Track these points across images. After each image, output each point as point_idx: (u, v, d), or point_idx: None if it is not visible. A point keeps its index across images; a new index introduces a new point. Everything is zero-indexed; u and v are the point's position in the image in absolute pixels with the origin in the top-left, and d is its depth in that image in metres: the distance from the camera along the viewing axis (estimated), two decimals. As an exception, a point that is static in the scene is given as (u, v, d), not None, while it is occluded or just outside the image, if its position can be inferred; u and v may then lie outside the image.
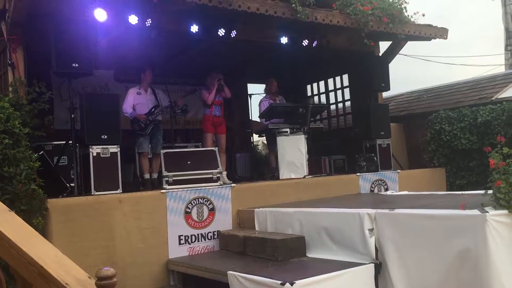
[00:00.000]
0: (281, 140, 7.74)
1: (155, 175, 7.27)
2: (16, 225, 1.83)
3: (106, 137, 6.03)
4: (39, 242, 1.81)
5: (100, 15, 6.10)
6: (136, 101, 7.33)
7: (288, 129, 7.82)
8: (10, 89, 5.77)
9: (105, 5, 6.09)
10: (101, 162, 5.95)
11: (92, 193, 5.75)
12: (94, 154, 5.92)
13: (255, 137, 10.48)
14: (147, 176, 7.35)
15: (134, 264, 5.44)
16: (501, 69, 19.41)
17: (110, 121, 6.12)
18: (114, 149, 6.06)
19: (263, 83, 9.13)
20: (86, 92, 8.43)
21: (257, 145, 12.72)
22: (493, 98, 8.81)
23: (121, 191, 5.94)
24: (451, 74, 21.44)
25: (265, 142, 12.06)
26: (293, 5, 6.63)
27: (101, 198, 5.53)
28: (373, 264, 4.47)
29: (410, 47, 9.26)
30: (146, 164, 7.37)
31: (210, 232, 6.05)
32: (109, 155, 6.03)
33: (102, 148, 5.99)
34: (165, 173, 6.21)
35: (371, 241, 4.57)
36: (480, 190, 6.39)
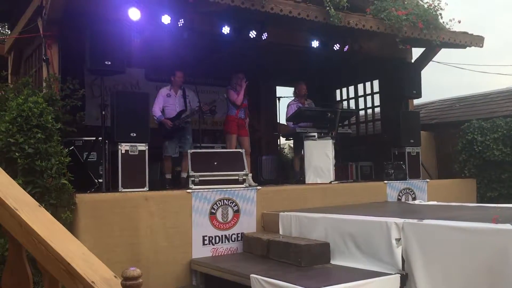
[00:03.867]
0: (308, 144, 7.69)
1: (184, 175, 7.30)
2: (45, 221, 1.85)
3: (135, 134, 6.08)
4: (67, 239, 1.82)
5: (134, 14, 6.18)
6: (165, 103, 7.39)
7: (315, 134, 7.76)
8: (44, 84, 5.89)
9: (139, 5, 6.17)
10: (129, 159, 6.00)
11: (119, 190, 5.81)
12: (123, 151, 5.98)
13: (282, 140, 10.44)
14: (168, 176, 7.42)
15: (157, 262, 5.47)
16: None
17: (139, 119, 6.18)
18: (142, 147, 6.11)
19: (292, 86, 9.10)
20: (117, 90, 8.52)
21: (284, 148, 12.68)
22: (529, 109, 8.56)
23: (147, 189, 5.98)
24: (484, 83, 20.95)
25: (292, 145, 12.02)
26: (327, 8, 6.57)
27: (128, 195, 5.58)
28: (399, 275, 4.38)
29: (440, 54, 9.09)
30: (169, 166, 7.43)
31: (234, 234, 6.04)
32: (137, 153, 6.08)
33: (131, 145, 6.04)
34: (191, 173, 6.23)
35: (398, 251, 4.48)
36: (513, 203, 6.25)
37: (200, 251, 5.79)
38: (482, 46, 8.35)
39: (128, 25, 6.18)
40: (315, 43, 7.84)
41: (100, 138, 6.51)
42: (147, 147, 6.13)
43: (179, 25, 6.61)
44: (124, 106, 6.12)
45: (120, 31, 6.09)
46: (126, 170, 5.94)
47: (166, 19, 6.49)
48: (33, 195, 4.66)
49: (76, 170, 5.37)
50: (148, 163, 6.16)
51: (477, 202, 8.13)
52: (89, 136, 7.34)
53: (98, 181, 6.43)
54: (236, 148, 7.42)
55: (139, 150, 6.09)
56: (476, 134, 8.39)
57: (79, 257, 1.73)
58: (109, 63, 5.97)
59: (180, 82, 7.50)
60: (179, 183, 7.30)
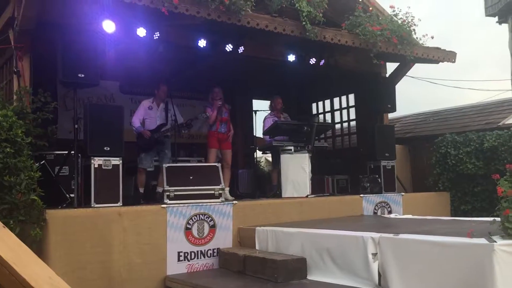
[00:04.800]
0: (285, 158, 7.68)
1: (160, 189, 7.18)
2: (10, 243, 1.76)
3: (108, 148, 5.96)
4: (33, 261, 1.73)
5: (109, 26, 6.10)
6: (146, 116, 7.30)
7: (292, 147, 7.76)
8: (15, 97, 5.74)
9: (114, 17, 6.09)
10: (103, 174, 5.87)
11: (92, 205, 5.67)
12: (96, 166, 5.85)
13: (258, 154, 10.42)
14: (141, 190, 7.32)
15: (131, 280, 5.33)
16: (508, 94, 19.39)
17: (113, 133, 6.06)
18: (116, 161, 5.99)
19: (268, 100, 9.10)
20: (91, 103, 8.38)
21: (260, 161, 12.65)
22: (500, 124, 8.74)
23: (121, 205, 5.85)
24: (454, 98, 21.44)
25: (269, 158, 12.00)
26: (303, 23, 6.61)
27: (101, 211, 5.44)
28: (376, 290, 4.36)
29: (412, 69, 9.25)
30: (142, 179, 7.32)
31: (210, 249, 5.95)
32: (110, 167, 5.96)
33: (104, 159, 5.92)
34: (166, 187, 6.14)
35: (374, 266, 4.47)
36: (486, 217, 6.32)
37: (175, 268, 5.68)
38: (454, 62, 8.53)
39: (102, 37, 6.09)
40: (291, 57, 7.87)
41: (72, 152, 6.36)
42: (121, 162, 6.02)
43: (155, 38, 6.55)
44: (98, 119, 6.00)
45: (94, 43, 5.99)
46: (99, 185, 5.80)
47: (141, 31, 6.43)
48: (1, 212, 4.54)
49: (47, 185, 5.22)
50: (122, 178, 6.04)
51: (451, 215, 8.22)
52: (61, 150, 7.16)
53: (70, 196, 6.25)
54: (216, 162, 7.35)
55: (113, 165, 5.96)
56: (450, 147, 8.51)
57: (45, 281, 1.65)
58: (83, 75, 5.85)
59: (163, 95, 7.44)
60: (154, 198, 7.18)
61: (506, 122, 8.68)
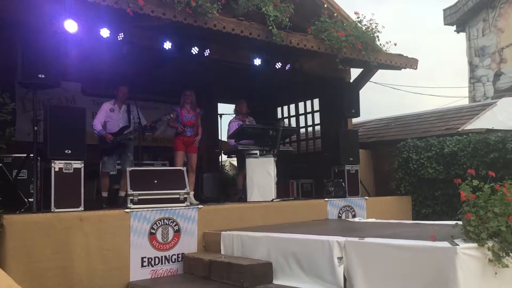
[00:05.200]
0: (250, 162, 7.66)
1: (122, 194, 7.03)
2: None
3: (70, 151, 5.79)
4: (-10, 271, 1.64)
5: (71, 26, 5.93)
6: (107, 118, 7.14)
7: (258, 151, 7.75)
8: (-30, 98, 5.50)
9: (77, 17, 5.92)
10: (63, 177, 5.69)
11: (52, 210, 5.48)
12: (56, 169, 5.67)
13: (223, 157, 10.36)
14: (104, 194, 7.16)
15: (92, 286, 5.18)
16: (465, 101, 20.07)
17: (75, 136, 5.89)
18: (77, 164, 5.82)
19: (234, 104, 9.06)
20: (51, 104, 8.13)
21: (225, 165, 12.59)
22: (459, 130, 8.98)
23: (82, 209, 5.69)
24: (413, 103, 22.02)
25: (233, 162, 11.96)
26: (270, 27, 6.62)
27: (61, 215, 5.27)
28: (341, 294, 4.38)
29: (376, 75, 9.43)
30: (106, 183, 7.16)
31: (175, 254, 5.86)
32: (72, 171, 5.78)
33: (65, 163, 5.74)
34: (130, 191, 6.00)
35: (340, 270, 4.49)
36: (447, 220, 6.47)
37: (138, 273, 5.56)
38: (416, 68, 8.73)
39: (64, 37, 5.91)
40: (257, 61, 7.87)
41: (31, 155, 6.14)
42: (83, 165, 5.85)
43: (119, 39, 6.41)
44: (59, 122, 5.81)
45: (56, 43, 5.81)
46: (59, 189, 5.62)
47: (105, 32, 6.28)
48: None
49: (4, 189, 5.03)
50: (84, 182, 5.88)
51: (412, 219, 8.38)
52: (19, 152, 6.91)
53: (28, 200, 6.04)
54: (183, 165, 7.25)
55: (74, 168, 5.79)
56: (411, 152, 8.69)
57: (3, 291, 1.56)
58: (43, 76, 5.68)
59: (123, 97, 7.29)
60: (117, 202, 7.02)
61: (465, 128, 8.93)
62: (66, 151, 5.76)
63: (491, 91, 20.57)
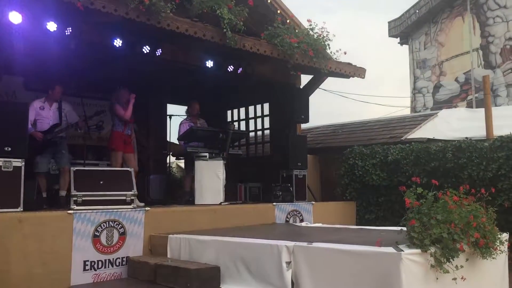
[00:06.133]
0: (199, 165, 7.58)
1: (63, 193, 6.76)
2: None
3: (9, 149, 5.51)
4: None
5: (15, 18, 5.65)
6: (37, 116, 6.83)
7: (207, 154, 7.69)
8: None
9: (22, 9, 5.64)
10: (2, 176, 5.41)
11: (-12, 210, 5.19)
12: (-6, 167, 5.38)
13: (171, 159, 10.20)
14: (44, 194, 6.86)
15: (30, 291, 4.95)
16: (407, 111, 20.85)
17: (15, 132, 5.62)
18: (18, 163, 5.55)
19: (183, 105, 8.96)
20: (-10, 99, 7.75)
21: (172, 167, 12.41)
22: (402, 138, 9.31)
23: (21, 210, 5.42)
24: (358, 111, 22.66)
25: (181, 164, 11.81)
26: (224, 30, 6.59)
27: (-2, 216, 5.00)
28: (289, 298, 4.41)
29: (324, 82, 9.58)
30: (43, 183, 6.86)
31: (119, 258, 5.70)
32: (11, 169, 5.51)
33: (4, 161, 5.46)
34: (74, 192, 5.79)
35: (288, 274, 4.52)
36: (389, 226, 6.68)
37: (79, 278, 5.37)
38: (364, 77, 8.97)
39: (8, 30, 5.62)
40: (209, 63, 7.81)
41: (-33, 152, 5.79)
42: (23, 163, 5.58)
43: (67, 33, 6.16)
44: (-2, 117, 5.52)
45: (-2, 35, 5.53)
46: (-3, 188, 5.33)
47: (52, 26, 6.02)
48: None
49: None
50: (24, 181, 5.60)
51: (356, 224, 8.59)
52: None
53: (-38, 200, 5.69)
54: (122, 166, 7.06)
55: (14, 166, 5.52)
56: (357, 159, 8.90)
57: None
58: (-18, 68, 5.38)
59: (57, 97, 7.03)
60: (59, 203, 6.74)
61: (408, 137, 9.27)
62: (6, 149, 5.49)
63: (431, 102, 21.53)
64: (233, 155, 8.35)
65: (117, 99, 7.48)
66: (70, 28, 6.16)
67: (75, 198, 5.76)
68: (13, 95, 8.71)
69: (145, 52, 7.03)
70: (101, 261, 5.55)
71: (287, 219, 7.68)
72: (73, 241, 5.36)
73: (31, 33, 6.00)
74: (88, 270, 5.45)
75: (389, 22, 23.82)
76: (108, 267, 5.61)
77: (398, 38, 23.83)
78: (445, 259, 3.92)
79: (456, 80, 20.68)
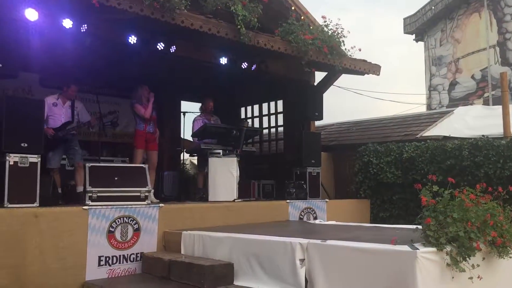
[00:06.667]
0: (213, 162, 7.59)
1: (80, 189, 6.81)
2: None
3: (26, 145, 5.56)
4: None
5: (31, 15, 5.70)
6: (49, 112, 6.86)
7: (221, 151, 7.70)
8: None
9: (38, 6, 5.69)
10: (18, 172, 5.46)
11: (5, 206, 5.25)
12: (11, 163, 5.43)
13: (185, 156, 10.25)
14: (59, 190, 6.94)
15: (46, 286, 5.00)
16: (423, 109, 20.66)
17: (32, 129, 5.67)
18: (34, 159, 5.60)
19: (197, 102, 8.99)
20: (8, 95, 7.82)
21: (186, 164, 12.45)
22: (417, 136, 9.22)
23: (38, 205, 5.47)
24: (368, 109, 22.51)
25: (194, 161, 11.84)
26: (238, 27, 6.58)
27: (15, 211, 5.06)
28: (302, 296, 4.39)
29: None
30: (58, 179, 6.93)
31: (133, 254, 5.73)
32: (27, 165, 5.56)
33: (21, 156, 5.51)
34: (89, 188, 5.83)
35: (302, 272, 4.50)
36: (403, 224, 6.62)
37: (95, 273, 5.41)
38: (379, 74, 8.89)
39: (24, 26, 5.67)
40: (223, 60, 7.81)
41: (-16, 148, 5.86)
42: (39, 159, 5.63)
43: (82, 30, 6.21)
44: (15, 113, 5.57)
45: (15, 32, 5.57)
46: (14, 183, 5.38)
47: (67, 23, 6.06)
48: None
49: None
50: (40, 177, 5.66)
51: (370, 222, 8.54)
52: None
53: (-21, 195, 5.77)
54: (142, 163, 7.10)
55: (30, 162, 5.57)
56: (372, 157, 8.85)
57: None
58: (0, 65, 5.43)
59: (72, 95, 7.07)
60: (74, 199, 6.80)
61: (424, 135, 9.18)
62: (22, 144, 5.54)
63: (446, 99, 21.30)
64: (246, 152, 8.35)
65: (137, 98, 7.50)
66: (85, 25, 6.20)
67: (90, 194, 5.80)
68: (29, 91, 8.82)
69: (160, 49, 7.06)
70: (116, 256, 5.59)
71: (300, 216, 7.66)
72: (88, 236, 5.40)
73: (47, 30, 6.06)
74: (103, 265, 5.49)
75: (404, 19, 23.61)
76: (123, 262, 5.64)
77: (414, 35, 23.62)
78: (461, 258, 3.86)
79: (473, 77, 20.45)
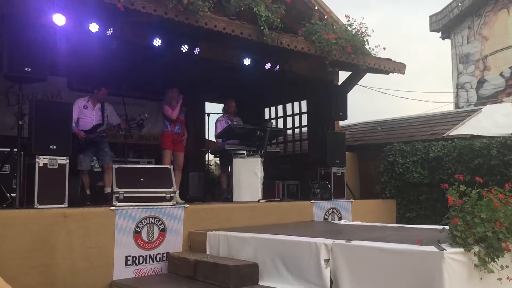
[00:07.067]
0: (237, 162, 7.63)
1: (108, 190, 6.92)
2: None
3: (55, 147, 5.69)
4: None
5: (59, 20, 5.83)
6: (80, 115, 7.01)
7: (245, 151, 7.73)
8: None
9: (66, 11, 5.82)
10: (48, 173, 5.59)
11: (35, 206, 5.38)
12: (41, 165, 5.56)
13: (209, 156, 10.30)
14: (87, 191, 7.08)
15: (75, 285, 5.11)
16: (450, 107, 20.31)
17: (60, 131, 5.80)
18: (62, 160, 5.73)
19: (221, 103, 9.03)
20: (37, 99, 8.02)
21: (211, 164, 12.53)
22: (444, 135, 9.07)
23: (66, 206, 5.60)
24: (392, 108, 22.22)
25: (218, 162, 11.90)
26: (261, 27, 6.60)
27: (45, 212, 5.18)
28: (327, 296, 4.37)
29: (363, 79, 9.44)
30: (87, 180, 7.08)
31: (159, 253, 5.80)
32: (56, 167, 5.69)
33: (50, 158, 5.64)
34: (115, 189, 5.93)
35: (326, 272, 4.49)
36: (430, 224, 6.53)
37: (122, 272, 5.50)
38: (404, 73, 8.78)
39: (52, 31, 5.81)
40: (247, 61, 7.84)
41: (15, 150, 6.03)
42: (68, 161, 5.76)
43: (108, 34, 6.32)
44: (44, 116, 5.70)
45: (44, 37, 5.70)
46: (43, 184, 5.52)
47: (94, 27, 6.18)
48: None
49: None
50: (69, 178, 5.78)
51: (397, 222, 8.45)
52: (2, 147, 6.79)
53: (10, 196, 5.93)
54: (171, 164, 7.19)
55: (59, 164, 5.69)
56: (397, 156, 8.75)
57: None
58: (29, 69, 5.57)
59: (102, 98, 7.20)
60: (102, 199, 6.93)
61: (451, 134, 9.02)
62: (51, 147, 5.66)
63: (474, 98, 20.87)
64: (271, 153, 8.35)
65: (167, 99, 7.63)
66: (111, 29, 6.31)
67: (117, 195, 5.90)
68: (57, 95, 9.00)
69: (184, 51, 7.12)
70: (142, 256, 5.67)
71: (325, 217, 7.63)
72: (115, 236, 5.49)
73: (74, 34, 6.20)
74: (130, 265, 5.58)
75: (430, 17, 23.22)
76: (149, 262, 5.72)
77: (440, 32, 23.19)
78: (489, 259, 3.80)
79: (501, 74, 19.98)
